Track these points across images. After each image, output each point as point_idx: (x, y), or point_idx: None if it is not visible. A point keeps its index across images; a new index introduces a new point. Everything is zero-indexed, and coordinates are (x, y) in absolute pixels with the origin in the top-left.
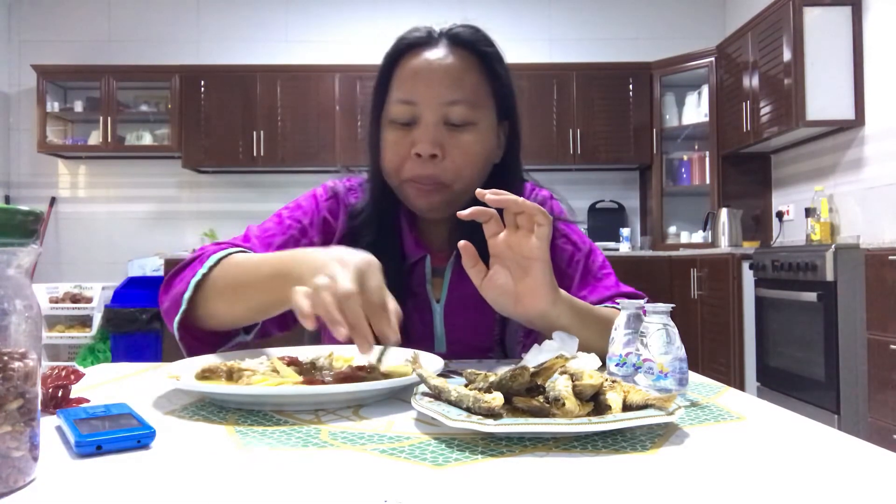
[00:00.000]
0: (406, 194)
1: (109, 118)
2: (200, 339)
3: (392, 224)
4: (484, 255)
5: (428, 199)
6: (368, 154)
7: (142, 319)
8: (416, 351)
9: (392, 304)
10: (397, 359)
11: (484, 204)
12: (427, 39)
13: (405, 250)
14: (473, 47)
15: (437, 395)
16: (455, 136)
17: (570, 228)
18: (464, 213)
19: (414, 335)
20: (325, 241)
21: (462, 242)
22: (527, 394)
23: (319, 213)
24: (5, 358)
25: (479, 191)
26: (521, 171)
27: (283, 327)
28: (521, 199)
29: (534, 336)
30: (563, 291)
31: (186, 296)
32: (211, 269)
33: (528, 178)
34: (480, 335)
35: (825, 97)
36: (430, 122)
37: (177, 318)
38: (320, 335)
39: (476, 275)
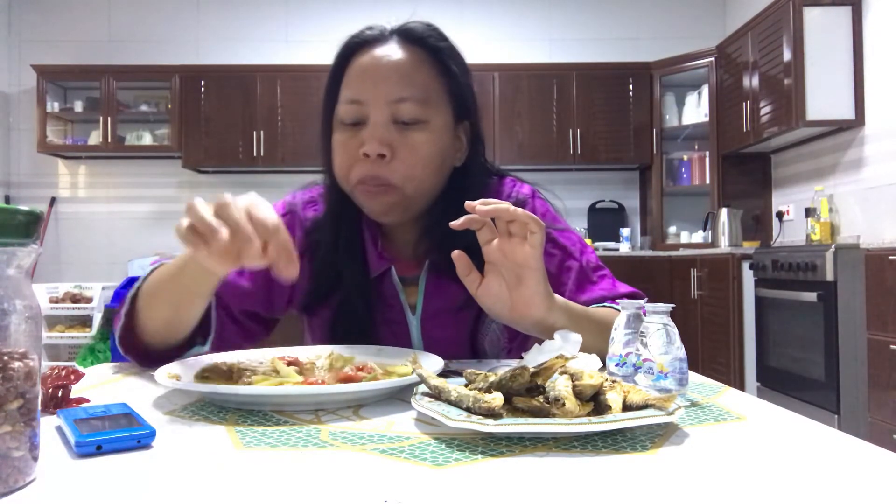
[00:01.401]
0: (358, 199)
1: (109, 118)
2: (149, 356)
3: (351, 236)
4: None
5: (379, 201)
6: (322, 160)
7: None
8: (416, 351)
9: (282, 228)
10: (397, 359)
11: (462, 212)
12: (378, 37)
13: (368, 263)
14: (425, 43)
15: (437, 395)
16: (405, 135)
17: (559, 232)
18: (456, 224)
19: None
20: None
21: (455, 253)
22: (527, 394)
23: None
24: (5, 358)
25: (468, 203)
26: (485, 174)
27: (248, 338)
28: (513, 207)
29: (519, 340)
30: (558, 297)
31: (125, 309)
32: (144, 280)
33: (507, 173)
34: (460, 346)
35: (825, 97)
36: (377, 121)
37: (118, 330)
38: (303, 336)
39: (471, 283)
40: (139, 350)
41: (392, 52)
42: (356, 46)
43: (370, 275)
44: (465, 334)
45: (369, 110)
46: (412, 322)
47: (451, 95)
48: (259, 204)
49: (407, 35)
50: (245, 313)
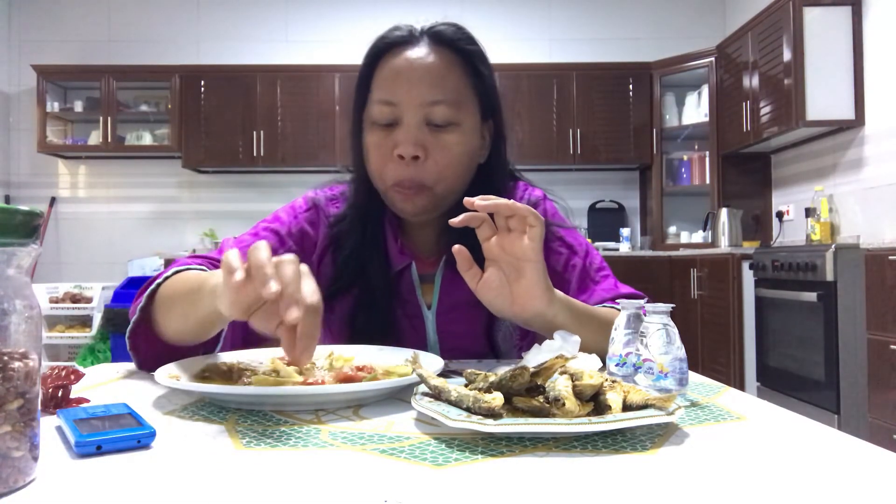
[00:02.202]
0: (391, 199)
1: (109, 118)
2: (158, 352)
3: (375, 231)
4: (476, 257)
5: (413, 203)
6: (351, 156)
7: None
8: (416, 351)
9: (321, 311)
10: (398, 359)
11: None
12: (408, 38)
13: (390, 258)
14: (455, 45)
15: (437, 395)
16: (438, 137)
17: (566, 231)
18: (455, 221)
19: (406, 343)
20: (304, 253)
21: (456, 247)
22: (527, 394)
23: (298, 225)
24: (5, 358)
25: (467, 199)
26: (506, 171)
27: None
28: (512, 201)
29: (530, 337)
30: (559, 292)
31: (140, 305)
32: (160, 284)
33: (521, 177)
34: (474, 340)
35: (825, 97)
36: (411, 124)
37: (128, 328)
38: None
39: (471, 278)
40: (156, 348)
41: (424, 54)
42: (386, 47)
43: (391, 270)
44: (479, 329)
45: (403, 112)
46: (428, 317)
47: (480, 97)
48: (310, 276)
49: (438, 37)
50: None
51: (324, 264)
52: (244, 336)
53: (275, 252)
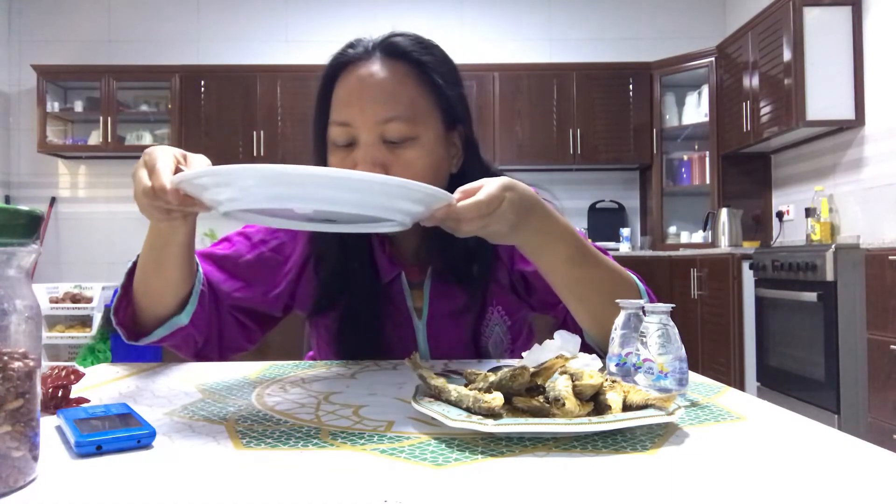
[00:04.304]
0: None
1: (109, 118)
2: (136, 326)
3: (360, 243)
4: (461, 265)
5: None
6: None
7: None
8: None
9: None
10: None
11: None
12: (361, 55)
13: (379, 269)
14: (409, 57)
15: (437, 395)
16: (397, 154)
17: None
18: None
19: (397, 352)
20: (280, 258)
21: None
22: (527, 394)
23: (271, 233)
24: (5, 358)
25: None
26: (479, 176)
27: (247, 337)
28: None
29: (521, 341)
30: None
31: (122, 282)
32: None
33: (509, 175)
34: (465, 348)
35: (825, 97)
36: (368, 143)
37: (113, 301)
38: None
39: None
40: (130, 319)
41: (376, 70)
42: (340, 67)
43: (382, 280)
44: (468, 336)
45: (359, 132)
46: (418, 326)
47: (440, 107)
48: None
49: (390, 50)
50: (239, 309)
51: (306, 275)
52: (243, 333)
53: (249, 252)
